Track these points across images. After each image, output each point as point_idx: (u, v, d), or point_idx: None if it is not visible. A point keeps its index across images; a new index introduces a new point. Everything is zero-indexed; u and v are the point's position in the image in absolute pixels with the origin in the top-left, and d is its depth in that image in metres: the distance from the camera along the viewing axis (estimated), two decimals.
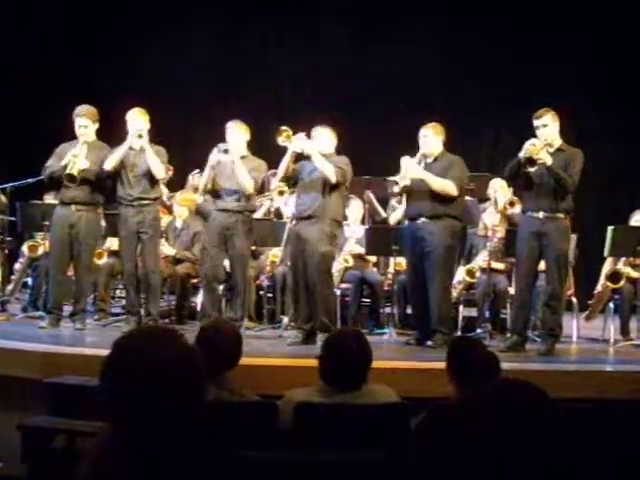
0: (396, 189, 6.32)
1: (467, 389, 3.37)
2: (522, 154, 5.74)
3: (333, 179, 6.08)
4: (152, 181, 6.52)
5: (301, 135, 6.24)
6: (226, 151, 6.36)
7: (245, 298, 6.70)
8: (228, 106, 9.25)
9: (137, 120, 6.47)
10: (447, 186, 6.08)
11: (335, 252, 6.55)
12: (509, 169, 5.92)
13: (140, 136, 6.38)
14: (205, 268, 6.64)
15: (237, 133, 6.55)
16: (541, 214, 5.86)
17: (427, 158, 6.22)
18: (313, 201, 6.16)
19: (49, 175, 6.54)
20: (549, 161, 5.74)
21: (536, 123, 5.85)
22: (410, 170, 6.15)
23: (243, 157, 6.48)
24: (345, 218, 6.89)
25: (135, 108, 6.56)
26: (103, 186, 6.60)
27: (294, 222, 6.45)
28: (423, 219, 6.13)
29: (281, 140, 6.20)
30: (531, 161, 5.70)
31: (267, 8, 10.14)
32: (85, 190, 6.47)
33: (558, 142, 5.89)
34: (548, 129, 5.83)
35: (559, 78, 9.56)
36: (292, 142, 6.18)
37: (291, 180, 6.48)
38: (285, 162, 6.28)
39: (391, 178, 6.47)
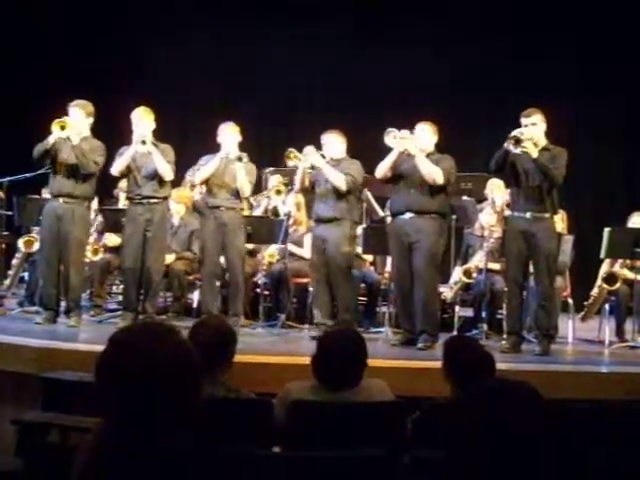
0: (391, 140, 6.05)
1: (463, 388, 3.37)
2: (508, 141, 5.73)
3: (344, 187, 6.26)
4: (161, 181, 6.48)
5: (310, 149, 6.35)
6: (144, 142, 6.34)
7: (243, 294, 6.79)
8: (227, 106, 9.24)
9: (142, 121, 6.40)
10: (436, 173, 6.00)
11: (354, 252, 6.67)
12: (495, 160, 5.88)
13: (144, 142, 6.34)
14: (205, 265, 6.69)
15: (230, 135, 6.60)
16: (528, 214, 5.88)
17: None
18: (333, 206, 6.32)
19: (39, 151, 6.27)
20: (535, 154, 5.75)
21: (525, 122, 5.86)
22: (408, 140, 6.04)
23: (239, 159, 6.52)
24: (361, 219, 7.00)
25: (140, 107, 6.49)
26: (92, 180, 6.46)
27: (315, 225, 6.57)
28: (410, 214, 6.09)
29: (291, 162, 6.44)
30: (517, 140, 5.70)
31: (267, 8, 10.14)
32: (73, 183, 6.37)
33: (543, 142, 5.90)
34: (536, 128, 5.85)
35: (559, 78, 9.57)
36: (301, 160, 6.35)
37: (309, 190, 6.63)
38: (299, 177, 6.46)
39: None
